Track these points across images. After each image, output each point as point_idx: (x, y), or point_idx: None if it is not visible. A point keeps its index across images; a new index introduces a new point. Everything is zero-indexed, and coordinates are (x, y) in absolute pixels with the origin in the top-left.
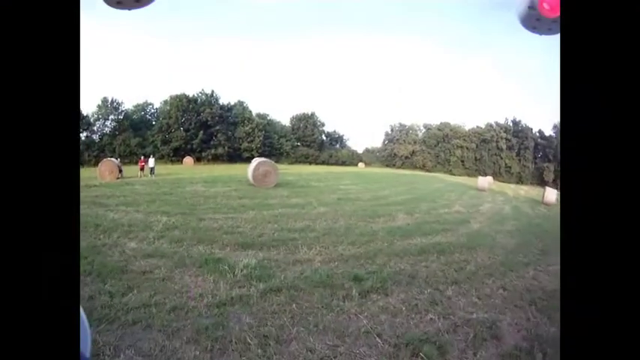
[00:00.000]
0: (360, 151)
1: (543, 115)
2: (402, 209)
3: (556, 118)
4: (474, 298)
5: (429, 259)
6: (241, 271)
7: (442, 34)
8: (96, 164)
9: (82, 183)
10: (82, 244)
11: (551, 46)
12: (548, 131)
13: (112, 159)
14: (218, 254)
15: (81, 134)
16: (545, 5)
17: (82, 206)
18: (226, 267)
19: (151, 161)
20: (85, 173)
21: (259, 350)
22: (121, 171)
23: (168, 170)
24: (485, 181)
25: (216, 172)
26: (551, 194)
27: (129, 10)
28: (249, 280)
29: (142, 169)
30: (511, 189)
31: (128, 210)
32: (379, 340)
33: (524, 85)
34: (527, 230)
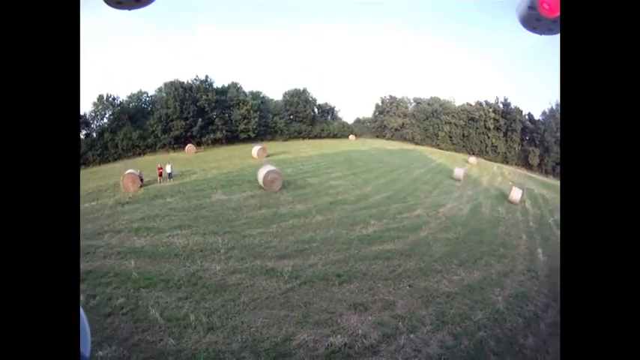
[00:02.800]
0: (350, 121)
1: (534, 99)
2: (375, 214)
3: (545, 104)
4: (390, 288)
5: (377, 263)
6: (286, 274)
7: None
8: (101, 163)
9: (111, 200)
10: (179, 271)
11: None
12: (537, 116)
13: (133, 170)
14: (270, 265)
15: (81, 134)
16: (545, 5)
17: (139, 232)
18: (278, 273)
19: (168, 167)
20: (97, 178)
21: (304, 307)
22: (142, 180)
23: (179, 166)
24: (460, 172)
25: (222, 162)
26: (516, 193)
27: (129, 10)
28: (291, 279)
29: (161, 174)
30: (491, 173)
31: (185, 233)
32: (343, 302)
33: (517, 68)
34: (465, 239)
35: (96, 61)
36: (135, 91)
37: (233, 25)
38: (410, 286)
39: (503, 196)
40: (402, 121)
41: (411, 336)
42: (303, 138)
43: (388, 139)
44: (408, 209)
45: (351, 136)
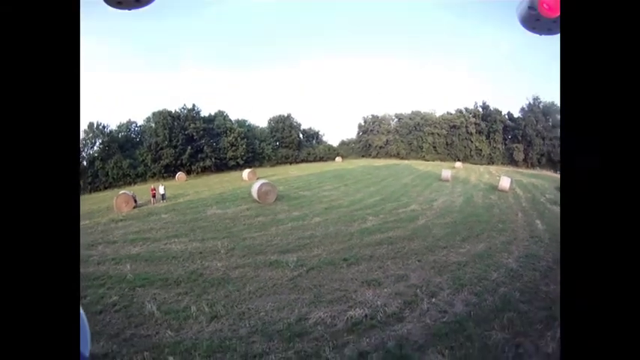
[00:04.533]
0: (336, 144)
1: (512, 97)
2: (371, 212)
3: (524, 101)
4: (400, 265)
5: (382, 247)
6: (292, 264)
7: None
8: (92, 191)
9: (104, 219)
10: (178, 270)
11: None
12: (516, 113)
13: (126, 191)
14: (274, 258)
15: None
16: (545, 5)
17: (135, 242)
18: (284, 263)
19: (161, 188)
20: (88, 204)
21: (314, 289)
22: (136, 201)
23: (171, 190)
24: (448, 173)
25: (214, 186)
26: (505, 181)
27: (129, 10)
28: (297, 267)
29: (154, 196)
30: (478, 173)
31: (183, 240)
32: (355, 281)
33: (494, 69)
34: (462, 221)
35: (85, 88)
36: (124, 121)
37: (216, 57)
38: (419, 260)
39: (493, 188)
40: (386, 138)
41: (433, 300)
42: (291, 163)
43: (374, 157)
44: (403, 206)
45: (338, 158)
